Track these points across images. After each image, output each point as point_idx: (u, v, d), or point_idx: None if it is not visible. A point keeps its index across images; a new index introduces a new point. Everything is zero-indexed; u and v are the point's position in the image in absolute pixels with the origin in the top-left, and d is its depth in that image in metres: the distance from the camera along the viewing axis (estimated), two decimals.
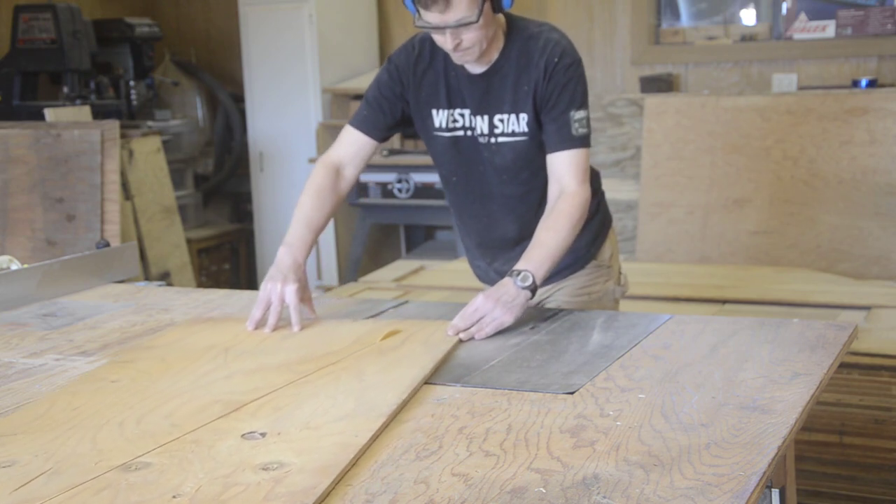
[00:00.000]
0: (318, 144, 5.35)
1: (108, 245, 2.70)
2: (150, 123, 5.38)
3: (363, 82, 5.39)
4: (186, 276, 4.93)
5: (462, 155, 2.29)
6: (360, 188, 5.12)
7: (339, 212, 5.32)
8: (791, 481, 1.70)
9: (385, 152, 5.10)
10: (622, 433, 1.40)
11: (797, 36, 4.71)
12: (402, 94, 2.27)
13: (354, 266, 5.19)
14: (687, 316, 2.08)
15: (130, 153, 4.65)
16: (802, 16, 4.75)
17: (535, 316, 2.11)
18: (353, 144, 2.33)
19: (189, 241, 5.17)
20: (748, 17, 5.10)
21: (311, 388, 1.63)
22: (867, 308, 3.30)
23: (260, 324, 2.05)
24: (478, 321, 1.97)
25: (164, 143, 5.02)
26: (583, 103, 2.17)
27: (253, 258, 5.86)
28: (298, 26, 5.35)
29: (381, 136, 2.34)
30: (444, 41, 2.08)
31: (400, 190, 5.03)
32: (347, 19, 5.49)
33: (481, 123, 2.22)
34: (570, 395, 1.57)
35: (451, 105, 2.24)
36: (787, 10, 4.83)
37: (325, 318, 2.12)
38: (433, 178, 4.97)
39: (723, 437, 1.37)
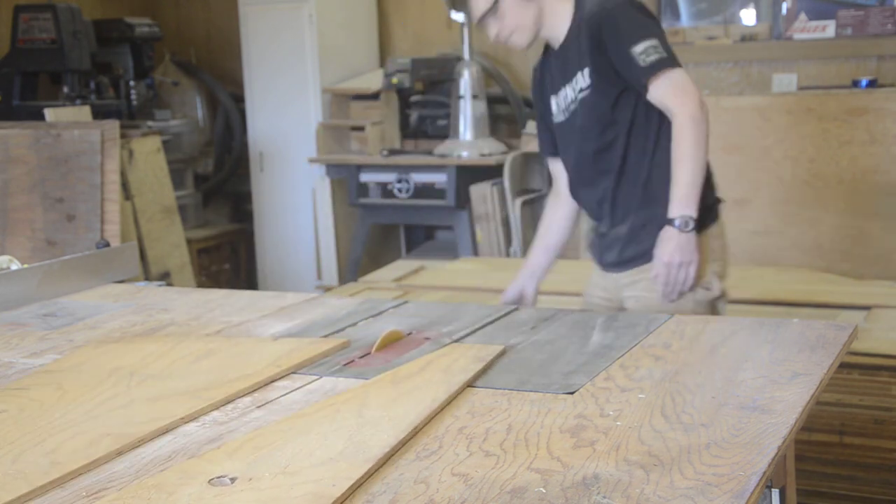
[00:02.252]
0: (318, 144, 5.35)
1: (108, 245, 2.70)
2: (150, 123, 5.38)
3: (363, 82, 5.40)
4: (186, 276, 4.93)
5: (564, 135, 2.46)
6: (360, 188, 5.12)
7: (340, 212, 5.32)
8: (791, 481, 1.70)
9: (385, 152, 5.10)
10: (622, 433, 1.40)
11: (797, 36, 4.70)
12: (540, 98, 2.51)
13: (354, 266, 5.19)
14: (687, 316, 2.08)
15: (130, 153, 4.65)
16: (802, 16, 4.75)
17: (535, 316, 2.11)
18: (553, 170, 2.62)
19: (189, 241, 5.17)
20: (748, 17, 5.10)
21: (303, 423, 1.47)
22: (867, 308, 3.30)
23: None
24: (671, 284, 2.20)
25: (164, 143, 5.02)
26: (640, 35, 2.24)
27: (253, 258, 5.86)
28: (298, 26, 5.34)
29: (555, 150, 2.56)
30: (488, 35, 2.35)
31: (400, 190, 5.03)
32: (347, 19, 5.49)
33: (570, 93, 2.36)
34: (570, 395, 1.57)
35: (553, 90, 2.42)
36: (787, 10, 4.83)
37: (246, 337, 1.99)
38: (433, 177, 4.97)
39: (723, 437, 1.37)
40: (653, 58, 2.22)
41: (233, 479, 1.27)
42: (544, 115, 2.52)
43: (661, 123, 2.33)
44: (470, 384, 1.65)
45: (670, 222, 2.25)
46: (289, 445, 1.38)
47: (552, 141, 2.53)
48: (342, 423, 1.46)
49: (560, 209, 2.63)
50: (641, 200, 2.38)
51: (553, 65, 2.39)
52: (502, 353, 1.81)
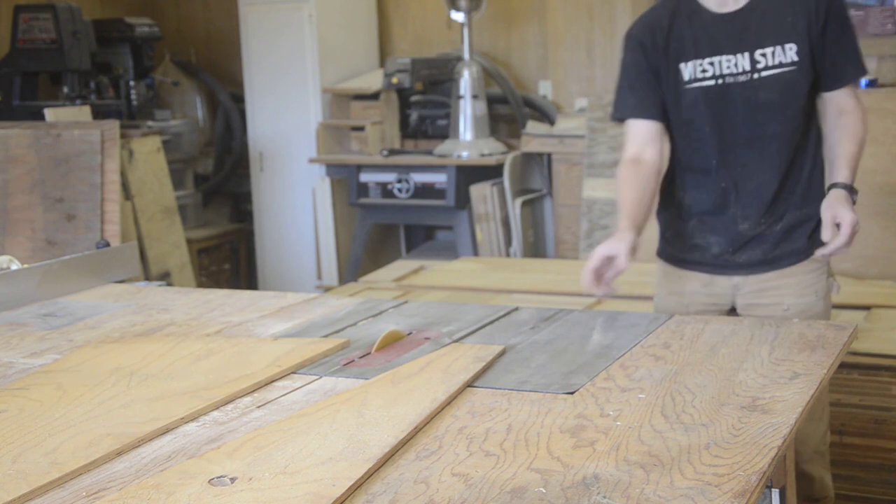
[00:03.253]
0: (318, 144, 5.35)
1: (108, 245, 2.70)
2: (150, 123, 5.38)
3: (363, 82, 5.39)
4: (186, 276, 4.93)
5: (713, 105, 2.25)
6: (361, 188, 5.12)
7: (340, 212, 5.33)
8: (791, 481, 1.70)
9: (385, 152, 5.10)
10: (622, 433, 1.40)
11: None
12: (652, 65, 2.29)
13: (354, 266, 5.19)
14: (687, 316, 2.08)
15: (130, 153, 4.65)
16: None
17: (535, 316, 2.11)
18: (639, 132, 2.32)
19: (189, 241, 5.17)
20: None
21: (303, 423, 1.47)
22: (867, 308, 3.30)
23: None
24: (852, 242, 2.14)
25: (164, 143, 5.02)
26: (855, 31, 2.24)
27: (253, 258, 5.86)
28: (298, 26, 5.35)
29: (658, 112, 2.32)
30: None
31: (400, 190, 5.03)
32: (347, 19, 5.49)
33: (741, 61, 2.22)
34: (570, 395, 1.57)
35: (698, 55, 2.25)
36: None
37: (246, 337, 1.99)
38: (433, 178, 4.97)
39: (723, 437, 1.37)
40: (863, 59, 2.25)
41: (233, 479, 1.27)
42: (657, 76, 2.29)
43: (818, 123, 2.30)
44: (470, 384, 1.65)
45: (848, 187, 2.20)
46: (289, 445, 1.38)
47: (652, 102, 2.29)
48: (342, 423, 1.46)
49: (645, 179, 2.29)
50: (802, 197, 2.29)
51: (709, 28, 2.23)
52: (502, 353, 1.81)
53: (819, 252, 2.23)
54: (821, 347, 1.78)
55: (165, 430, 1.48)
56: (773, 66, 2.21)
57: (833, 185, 2.22)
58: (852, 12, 4.56)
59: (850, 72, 2.24)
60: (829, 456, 2.43)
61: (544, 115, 5.10)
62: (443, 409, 1.53)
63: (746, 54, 2.21)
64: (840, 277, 3.77)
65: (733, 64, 2.22)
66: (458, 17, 5.02)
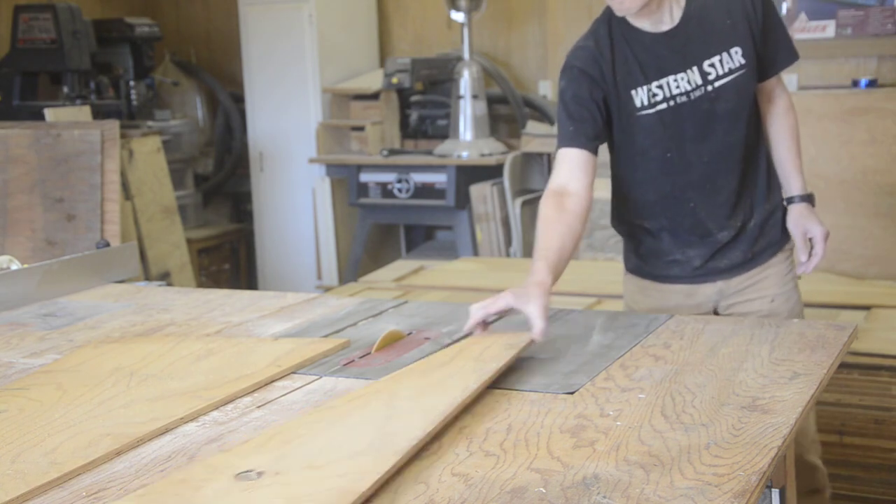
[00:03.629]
0: (317, 144, 5.35)
1: (108, 245, 2.70)
2: (150, 123, 5.38)
3: (363, 82, 5.40)
4: (186, 276, 4.93)
5: (669, 128, 2.18)
6: (361, 188, 5.12)
7: (340, 212, 5.33)
8: (791, 481, 1.70)
9: (385, 152, 5.10)
10: (622, 433, 1.40)
11: (797, 36, 4.70)
12: (597, 95, 2.16)
13: (354, 266, 5.19)
14: (687, 316, 2.08)
15: (130, 153, 4.65)
16: (802, 16, 4.74)
17: None
18: (568, 160, 2.16)
19: (189, 241, 5.17)
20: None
21: (332, 416, 1.47)
22: (867, 308, 3.30)
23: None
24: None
25: (164, 143, 5.02)
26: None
27: (253, 258, 5.86)
28: (298, 26, 5.35)
29: (592, 144, 2.18)
30: None
31: (400, 190, 5.03)
32: (347, 19, 5.49)
33: (692, 77, 2.16)
34: (570, 395, 1.57)
35: (647, 79, 2.16)
36: (787, 10, 4.83)
37: (246, 337, 1.99)
38: (433, 178, 4.97)
39: (723, 437, 1.37)
40: (793, 44, 2.29)
41: (259, 474, 1.26)
42: (605, 107, 2.18)
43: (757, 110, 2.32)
44: (502, 372, 1.65)
45: (806, 198, 2.30)
46: (317, 438, 1.37)
47: (589, 132, 2.17)
48: (372, 415, 1.46)
49: (570, 224, 2.08)
50: (766, 188, 2.29)
51: (651, 51, 2.15)
52: (531, 343, 1.80)
53: (800, 269, 2.30)
54: (821, 347, 1.78)
55: (165, 430, 1.48)
56: (726, 74, 2.16)
57: (790, 200, 2.31)
58: (853, 12, 4.56)
59: (783, 58, 2.28)
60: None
61: (544, 115, 5.10)
62: (475, 398, 1.53)
63: (695, 68, 2.15)
64: (840, 277, 3.78)
65: (685, 81, 2.16)
66: (458, 17, 5.02)
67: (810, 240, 2.28)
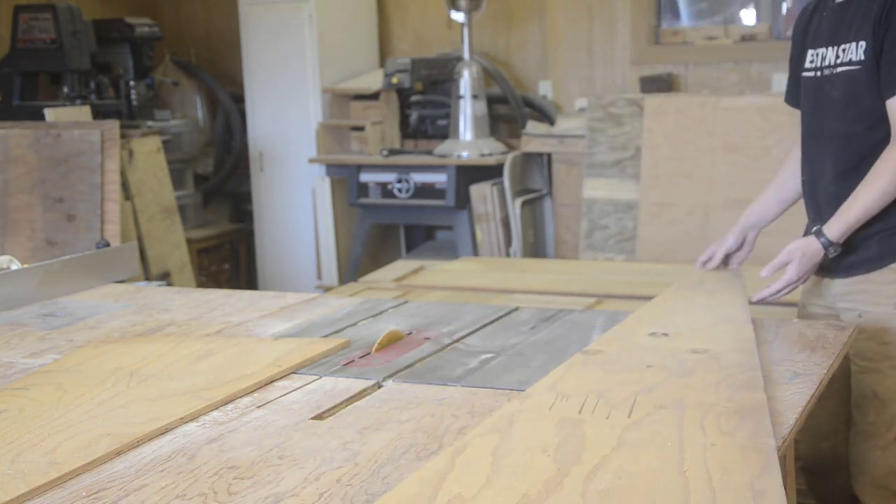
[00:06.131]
0: (318, 144, 5.35)
1: (108, 245, 2.70)
2: (150, 123, 5.38)
3: (363, 82, 5.39)
4: (186, 276, 4.93)
5: (808, 97, 2.24)
6: (361, 188, 5.11)
7: (340, 212, 5.32)
8: (791, 481, 1.70)
9: (385, 152, 5.10)
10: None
11: None
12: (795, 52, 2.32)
13: (354, 266, 5.19)
14: None
15: (130, 153, 4.65)
16: None
17: (535, 316, 2.11)
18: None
19: (189, 241, 5.17)
20: (748, 17, 5.10)
21: (684, 303, 2.12)
22: None
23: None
24: (780, 293, 2.16)
25: (164, 143, 5.02)
26: None
27: (253, 258, 5.86)
28: (298, 26, 5.34)
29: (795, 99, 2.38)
30: None
31: (400, 190, 5.03)
32: (347, 19, 5.49)
33: (830, 55, 2.14)
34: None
35: (813, 44, 2.21)
36: (787, 10, 4.83)
37: (246, 337, 2.00)
38: (433, 178, 4.97)
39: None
40: None
41: (665, 335, 1.87)
42: (796, 61, 2.31)
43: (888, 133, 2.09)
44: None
45: (823, 237, 2.09)
46: (687, 315, 2.06)
47: (795, 90, 2.33)
48: (706, 304, 2.14)
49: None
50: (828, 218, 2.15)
51: (827, 18, 2.16)
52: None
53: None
54: (821, 347, 1.78)
55: (165, 430, 1.48)
56: (845, 63, 2.11)
57: (815, 232, 2.12)
58: None
59: (891, 79, 2.05)
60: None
61: (544, 115, 5.10)
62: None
63: (834, 48, 2.14)
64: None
65: (826, 57, 2.16)
66: (458, 17, 5.02)
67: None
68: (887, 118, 2.07)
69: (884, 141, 2.07)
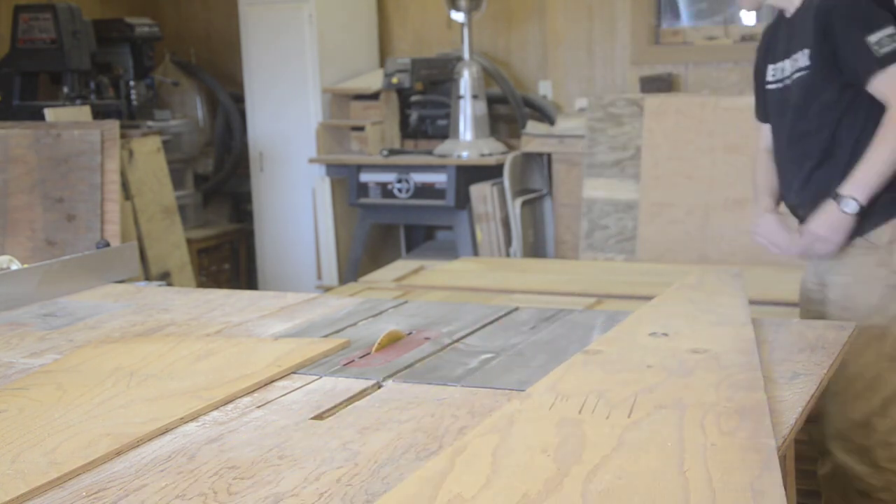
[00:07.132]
0: (318, 144, 5.35)
1: (108, 245, 2.70)
2: (150, 123, 5.38)
3: (363, 82, 5.39)
4: (186, 276, 4.93)
5: (774, 107, 2.46)
6: (361, 188, 5.11)
7: (340, 212, 5.32)
8: (791, 481, 1.70)
9: (385, 152, 5.10)
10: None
11: None
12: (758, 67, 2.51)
13: (354, 266, 5.19)
14: None
15: (130, 153, 4.65)
16: None
17: (535, 316, 2.11)
18: (764, 131, 2.57)
19: (189, 241, 5.17)
20: (748, 17, 5.10)
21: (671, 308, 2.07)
22: None
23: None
24: (808, 253, 2.31)
25: (164, 143, 5.02)
26: (877, 24, 2.21)
27: (253, 258, 5.86)
28: (298, 26, 5.34)
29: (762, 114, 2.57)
30: None
31: (400, 190, 5.03)
32: (347, 19, 5.49)
33: (788, 66, 2.37)
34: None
35: (773, 59, 2.43)
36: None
37: (246, 337, 2.00)
38: (433, 178, 4.97)
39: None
40: (887, 49, 2.20)
41: (664, 334, 1.90)
42: (758, 79, 2.53)
43: (870, 111, 2.27)
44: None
45: (836, 197, 2.26)
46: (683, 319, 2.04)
47: (762, 106, 2.55)
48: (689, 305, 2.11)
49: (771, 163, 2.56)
50: (840, 184, 2.31)
51: (781, 33, 2.41)
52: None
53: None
54: (821, 347, 1.78)
55: (165, 430, 1.48)
56: (798, 70, 2.34)
57: (836, 195, 2.30)
58: None
59: (866, 62, 2.23)
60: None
61: (544, 115, 5.09)
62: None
63: (789, 60, 2.37)
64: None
65: (783, 68, 2.40)
66: (458, 17, 5.02)
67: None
68: (845, 105, 2.28)
69: (847, 134, 2.30)
